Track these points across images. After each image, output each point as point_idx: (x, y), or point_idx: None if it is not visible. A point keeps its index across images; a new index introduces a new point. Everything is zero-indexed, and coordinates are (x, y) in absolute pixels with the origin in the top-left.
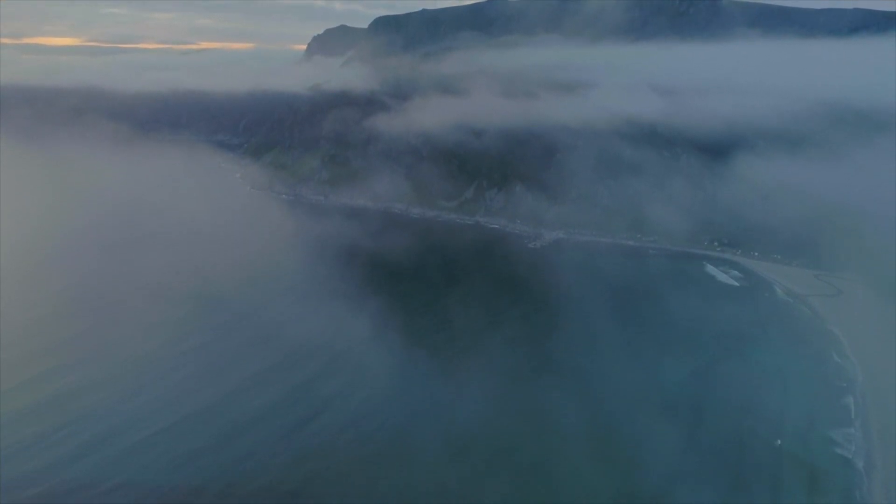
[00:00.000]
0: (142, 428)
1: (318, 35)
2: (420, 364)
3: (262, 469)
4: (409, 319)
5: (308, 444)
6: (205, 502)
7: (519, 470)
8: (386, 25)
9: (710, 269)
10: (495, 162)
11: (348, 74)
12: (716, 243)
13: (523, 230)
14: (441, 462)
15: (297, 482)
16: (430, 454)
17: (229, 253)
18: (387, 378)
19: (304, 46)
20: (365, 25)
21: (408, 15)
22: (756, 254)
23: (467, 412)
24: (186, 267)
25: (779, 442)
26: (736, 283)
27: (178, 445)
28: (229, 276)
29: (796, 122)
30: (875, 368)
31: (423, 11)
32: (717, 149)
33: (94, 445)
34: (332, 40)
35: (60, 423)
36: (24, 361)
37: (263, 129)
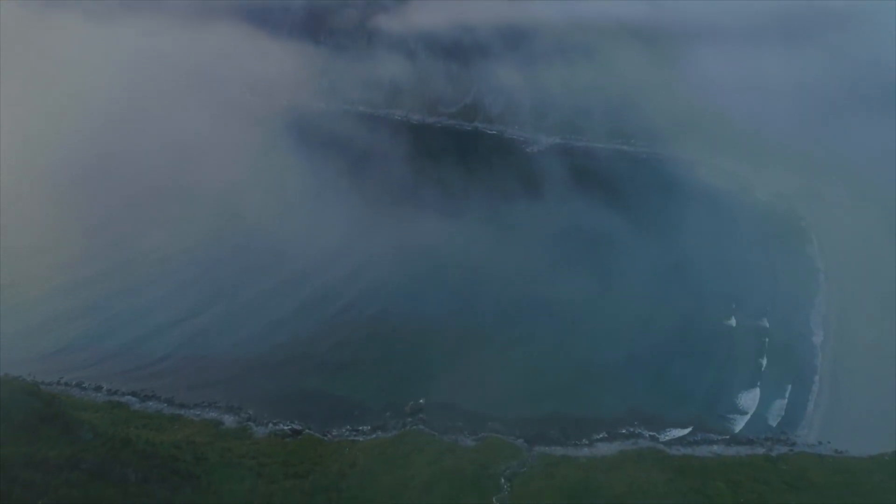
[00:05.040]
0: (198, 314)
1: None
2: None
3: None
4: (415, 220)
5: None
6: (262, 373)
7: (526, 343)
8: None
9: (701, 172)
10: (493, 68)
11: None
12: (707, 148)
13: (521, 135)
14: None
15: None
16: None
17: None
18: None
19: None
20: None
21: None
22: (745, 158)
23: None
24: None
25: (764, 323)
26: (723, 186)
27: (233, 330)
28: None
29: (783, 20)
30: (841, 261)
31: None
32: (702, 51)
33: (161, 329)
34: None
35: (125, 310)
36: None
37: (261, 34)
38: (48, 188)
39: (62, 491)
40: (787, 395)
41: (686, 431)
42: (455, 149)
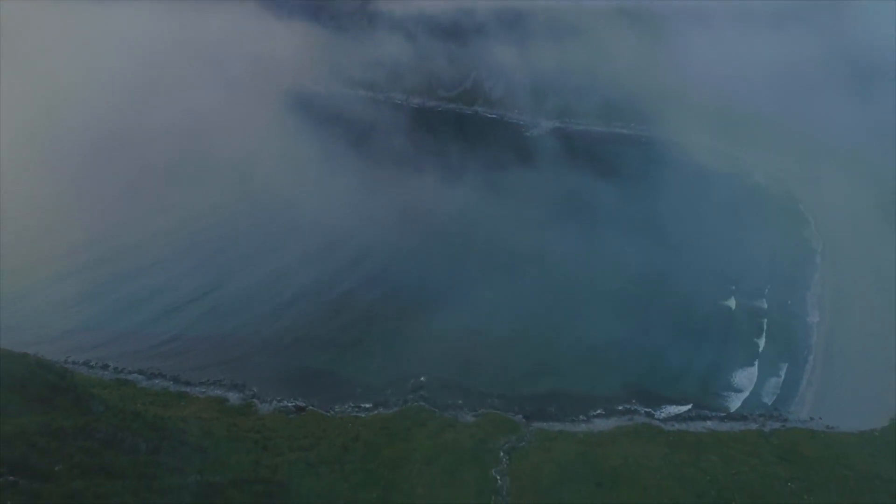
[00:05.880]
0: (204, 297)
1: None
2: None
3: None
4: (418, 203)
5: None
6: (266, 354)
7: (525, 323)
8: None
9: (699, 155)
10: (494, 52)
11: None
12: (705, 131)
13: (521, 119)
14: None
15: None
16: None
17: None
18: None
19: None
20: None
21: None
22: (742, 140)
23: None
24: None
25: (762, 304)
26: (721, 168)
27: (237, 312)
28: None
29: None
30: (836, 241)
31: None
32: (699, 34)
33: (166, 311)
34: None
35: (130, 293)
36: None
37: (264, 15)
38: (50, 175)
39: (77, 458)
40: (782, 374)
41: (682, 409)
42: (456, 132)
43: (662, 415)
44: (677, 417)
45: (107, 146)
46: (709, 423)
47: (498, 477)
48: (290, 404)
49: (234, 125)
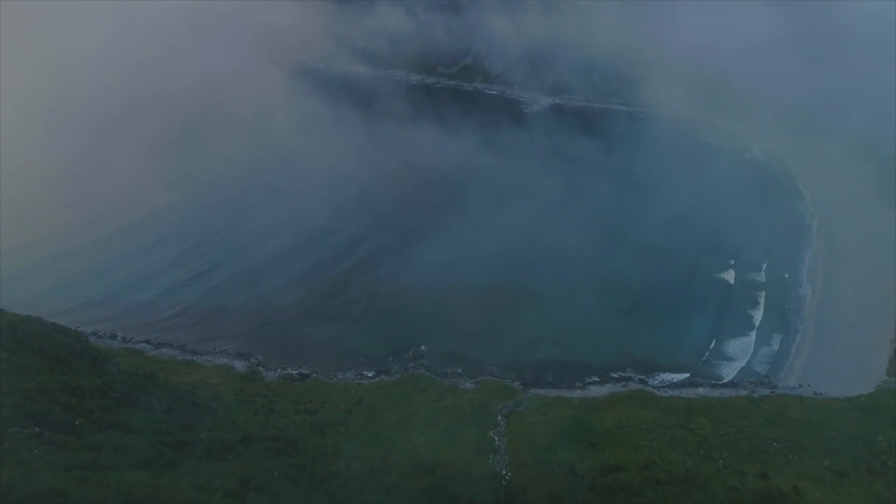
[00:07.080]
0: (211, 272)
1: None
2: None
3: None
4: (421, 185)
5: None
6: (272, 327)
7: (524, 295)
8: None
9: (698, 131)
10: (494, 28)
11: None
12: (703, 107)
13: (520, 96)
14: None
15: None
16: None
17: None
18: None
19: None
20: None
21: None
22: (744, 117)
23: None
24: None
25: (761, 278)
26: (721, 145)
27: (244, 287)
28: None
29: None
30: (830, 218)
31: None
32: (693, 8)
33: (173, 287)
34: None
35: (138, 269)
36: None
37: None
38: (57, 152)
39: (96, 414)
40: (776, 344)
41: (676, 378)
42: (455, 109)
43: (656, 382)
44: (670, 385)
45: (106, 125)
46: (700, 390)
47: (496, 437)
48: (294, 372)
49: (238, 101)
